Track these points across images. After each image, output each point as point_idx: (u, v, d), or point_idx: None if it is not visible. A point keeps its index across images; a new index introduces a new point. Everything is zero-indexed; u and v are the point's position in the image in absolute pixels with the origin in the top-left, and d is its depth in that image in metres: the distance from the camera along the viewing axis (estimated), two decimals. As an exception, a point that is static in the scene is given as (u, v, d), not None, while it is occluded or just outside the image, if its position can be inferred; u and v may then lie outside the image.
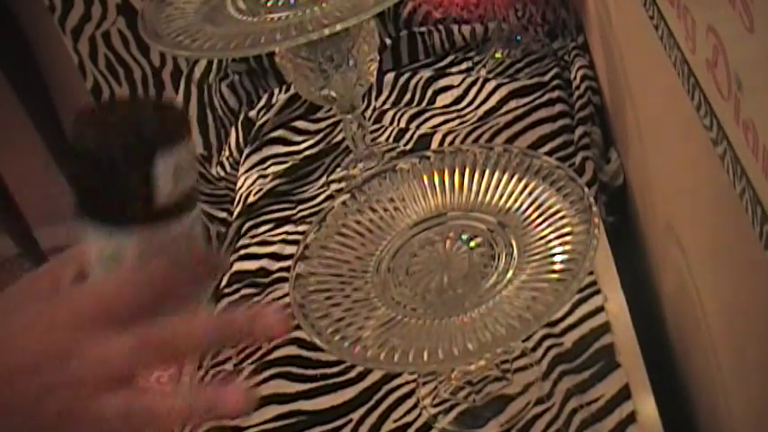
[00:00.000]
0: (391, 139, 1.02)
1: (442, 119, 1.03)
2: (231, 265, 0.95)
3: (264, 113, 1.11)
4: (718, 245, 0.60)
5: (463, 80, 1.07)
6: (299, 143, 1.07)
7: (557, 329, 0.76)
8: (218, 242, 1.01)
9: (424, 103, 1.07)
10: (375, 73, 0.88)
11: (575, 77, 1.00)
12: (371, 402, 0.77)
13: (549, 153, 0.93)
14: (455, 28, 1.11)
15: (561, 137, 0.95)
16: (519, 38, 1.07)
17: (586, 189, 0.63)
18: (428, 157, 0.71)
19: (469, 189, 0.69)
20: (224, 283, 0.93)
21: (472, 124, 1.00)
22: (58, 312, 0.43)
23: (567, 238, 0.62)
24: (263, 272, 0.92)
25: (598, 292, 0.79)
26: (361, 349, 0.58)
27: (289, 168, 1.03)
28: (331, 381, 0.79)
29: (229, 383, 0.44)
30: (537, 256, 0.62)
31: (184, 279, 0.45)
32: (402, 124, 1.04)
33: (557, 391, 0.72)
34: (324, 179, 1.01)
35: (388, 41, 1.12)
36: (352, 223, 0.70)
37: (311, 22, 0.75)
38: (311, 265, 0.66)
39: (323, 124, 1.09)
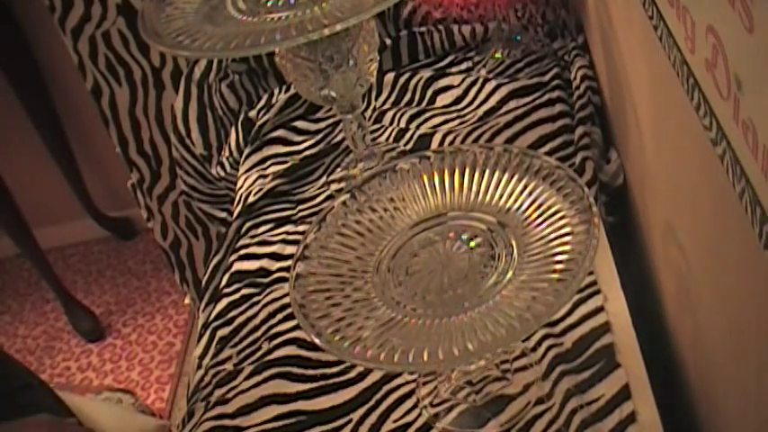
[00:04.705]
0: (391, 139, 1.02)
1: (442, 119, 1.03)
2: (231, 265, 0.95)
3: (264, 113, 1.11)
4: (718, 245, 0.60)
5: (463, 80, 1.07)
6: (299, 143, 1.07)
7: (557, 329, 0.76)
8: (218, 242, 1.01)
9: (424, 103, 1.07)
10: (375, 73, 0.88)
11: (575, 77, 1.00)
12: (371, 402, 0.77)
13: (549, 153, 0.93)
14: (455, 28, 1.11)
15: (561, 137, 0.95)
16: (519, 38, 1.07)
17: (586, 189, 0.63)
18: (428, 157, 0.71)
19: (469, 189, 0.69)
20: (224, 283, 0.93)
21: (472, 124, 1.00)
22: None
23: (567, 238, 0.62)
24: (263, 272, 0.92)
25: (598, 292, 0.79)
26: (361, 349, 0.58)
27: (289, 168, 1.03)
28: (331, 381, 0.79)
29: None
30: (537, 256, 0.62)
31: None
32: (402, 124, 1.04)
33: (557, 391, 0.72)
34: (324, 179, 1.01)
35: (388, 41, 1.12)
36: (352, 223, 0.70)
37: (311, 22, 0.75)
38: (311, 265, 0.66)
39: (323, 124, 1.09)
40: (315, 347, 0.61)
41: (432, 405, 0.74)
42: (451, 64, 1.11)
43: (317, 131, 1.08)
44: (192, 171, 1.24)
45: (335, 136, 1.06)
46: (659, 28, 0.61)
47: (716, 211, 0.58)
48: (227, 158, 1.13)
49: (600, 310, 0.77)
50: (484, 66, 1.08)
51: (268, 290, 0.90)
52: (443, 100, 1.06)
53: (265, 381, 0.81)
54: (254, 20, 0.80)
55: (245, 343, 0.86)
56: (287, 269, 0.90)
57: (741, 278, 0.55)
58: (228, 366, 0.84)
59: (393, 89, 1.09)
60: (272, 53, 1.06)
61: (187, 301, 1.85)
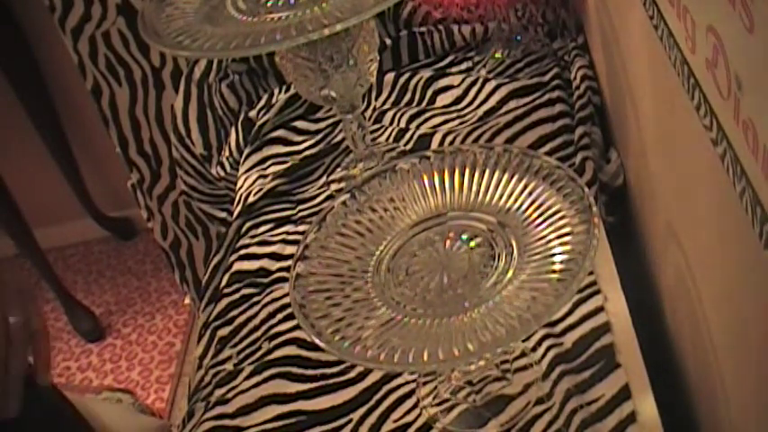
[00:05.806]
0: (391, 139, 1.02)
1: (442, 119, 1.03)
2: (231, 265, 0.95)
3: (264, 113, 1.11)
4: (718, 245, 0.60)
5: (463, 80, 1.07)
6: (299, 143, 1.07)
7: (557, 329, 0.76)
8: (218, 242, 1.01)
9: (424, 103, 1.07)
10: (375, 73, 0.88)
11: (575, 77, 1.00)
12: (371, 402, 0.77)
13: (549, 153, 0.93)
14: (455, 28, 1.11)
15: (561, 137, 0.95)
16: (519, 38, 1.07)
17: (586, 189, 0.63)
18: (428, 157, 0.71)
19: (469, 189, 0.69)
20: (224, 283, 0.93)
21: (472, 124, 1.00)
22: None
23: (567, 238, 0.61)
24: (263, 272, 0.92)
25: (598, 292, 0.79)
26: (361, 349, 0.58)
27: (289, 168, 1.03)
28: (331, 381, 0.79)
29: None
30: (537, 256, 0.62)
31: None
32: (402, 124, 1.04)
33: (557, 391, 0.72)
34: (324, 179, 1.01)
35: (388, 41, 1.12)
36: (352, 223, 0.70)
37: (311, 22, 0.75)
38: (311, 265, 0.66)
39: (323, 124, 1.09)
40: (315, 347, 0.61)
41: (432, 405, 0.74)
42: (451, 64, 1.11)
43: (317, 131, 1.08)
44: (192, 171, 1.24)
45: (335, 136, 1.06)
46: (660, 28, 0.61)
47: (716, 211, 0.58)
48: (227, 158, 1.13)
49: (600, 310, 0.77)
50: (484, 66, 1.08)
51: (268, 290, 0.90)
52: (443, 100, 1.06)
53: (265, 381, 0.81)
54: (254, 20, 0.80)
55: (245, 343, 0.86)
56: (287, 269, 0.90)
57: (741, 278, 0.55)
58: (228, 366, 0.84)
59: (393, 89, 1.09)
60: (272, 53, 1.06)
61: (187, 301, 1.85)
